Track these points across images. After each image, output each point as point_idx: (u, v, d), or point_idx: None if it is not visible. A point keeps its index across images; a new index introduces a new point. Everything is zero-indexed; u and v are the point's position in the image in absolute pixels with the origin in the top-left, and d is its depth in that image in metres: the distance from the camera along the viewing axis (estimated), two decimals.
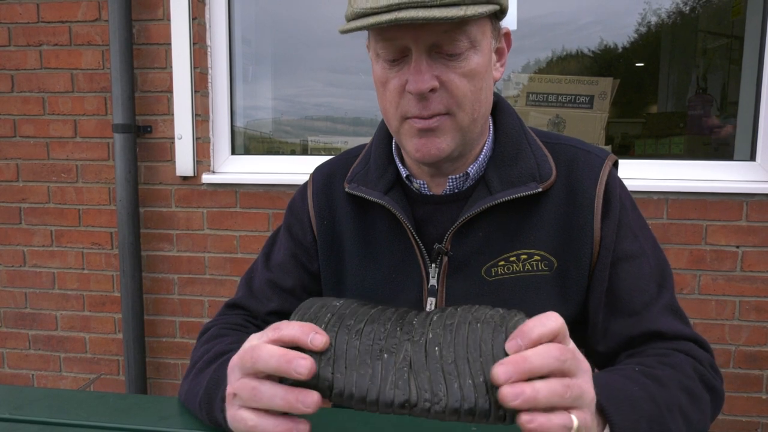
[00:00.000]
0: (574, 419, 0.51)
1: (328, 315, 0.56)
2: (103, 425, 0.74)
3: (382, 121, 0.92)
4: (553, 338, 0.50)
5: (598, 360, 0.83)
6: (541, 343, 0.49)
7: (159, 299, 2.40)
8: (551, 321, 0.50)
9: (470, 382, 0.49)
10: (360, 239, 0.89)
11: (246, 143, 2.53)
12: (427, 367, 0.51)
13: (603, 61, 2.57)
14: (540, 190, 0.81)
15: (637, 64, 2.75)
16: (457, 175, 0.84)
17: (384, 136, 0.91)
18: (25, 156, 2.40)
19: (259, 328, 0.91)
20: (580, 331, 0.86)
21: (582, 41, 2.46)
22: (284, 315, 0.92)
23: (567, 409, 0.50)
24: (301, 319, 0.56)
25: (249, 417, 0.53)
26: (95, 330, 2.47)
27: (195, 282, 2.37)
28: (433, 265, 0.84)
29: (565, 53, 2.48)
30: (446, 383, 0.49)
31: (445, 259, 0.83)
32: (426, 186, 0.86)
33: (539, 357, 0.49)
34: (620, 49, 2.55)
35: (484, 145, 0.85)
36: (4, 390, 0.89)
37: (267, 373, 0.51)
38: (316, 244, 0.92)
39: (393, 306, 0.60)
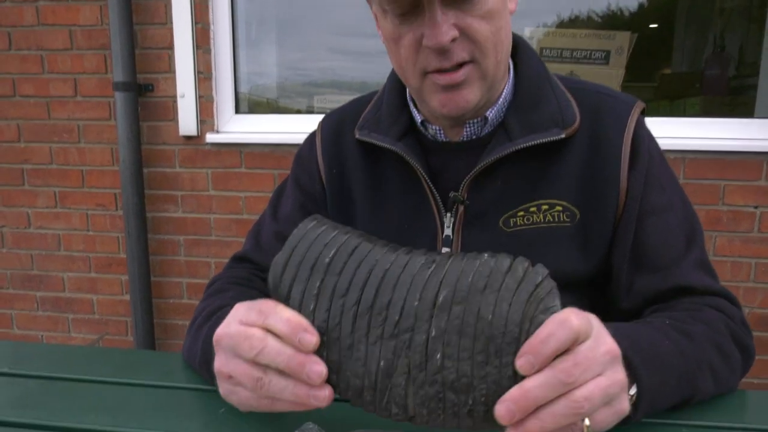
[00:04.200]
0: (586, 424, 0.48)
1: (318, 282, 0.51)
2: (106, 380, 0.72)
3: None
4: (571, 345, 0.46)
5: (622, 317, 0.79)
6: (556, 356, 0.46)
7: (165, 261, 2.39)
8: (566, 330, 0.45)
9: (471, 406, 0.47)
10: (371, 189, 0.85)
11: (250, 106, 2.46)
12: (426, 380, 0.48)
13: (617, 20, 2.47)
14: (563, 136, 0.76)
15: (651, 25, 2.65)
16: (476, 120, 0.79)
17: (397, 80, 0.86)
18: (25, 116, 2.35)
19: (266, 281, 0.88)
20: (602, 287, 0.82)
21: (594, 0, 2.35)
22: None
23: None
24: (286, 287, 0.52)
25: (259, 397, 0.52)
26: (102, 291, 2.46)
27: (201, 243, 2.35)
28: (449, 215, 0.80)
29: (578, 12, 2.38)
30: (444, 406, 0.48)
31: (461, 208, 0.79)
32: (442, 132, 0.81)
33: (543, 388, 0.45)
34: (635, 8, 2.45)
35: (503, 89, 0.80)
36: (4, 345, 0.87)
37: (272, 368, 0.50)
38: (325, 194, 0.88)
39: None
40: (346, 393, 0.49)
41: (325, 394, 0.48)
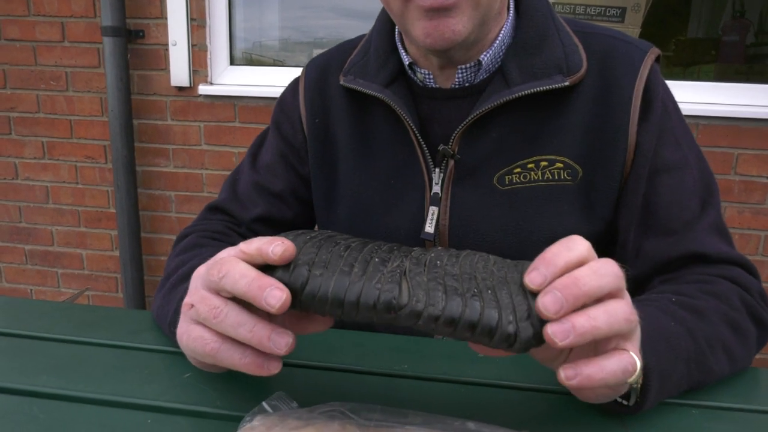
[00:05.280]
0: (637, 360, 0.41)
1: (314, 233, 0.47)
2: (65, 338, 0.66)
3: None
4: (582, 262, 0.40)
5: (629, 285, 0.73)
6: (567, 273, 0.39)
7: (156, 217, 2.33)
8: (578, 245, 0.40)
9: (476, 291, 0.40)
10: (356, 140, 0.78)
11: (246, 58, 2.35)
12: (425, 274, 0.41)
13: None
14: (567, 83, 0.68)
15: None
16: (469, 65, 0.71)
17: (386, 21, 0.78)
18: (11, 61, 2.25)
19: (243, 236, 0.82)
20: (606, 252, 0.75)
21: None
22: (271, 221, 0.83)
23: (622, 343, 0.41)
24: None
25: (209, 338, 0.44)
26: (92, 246, 2.41)
27: (193, 200, 2.28)
28: (438, 170, 0.73)
29: None
30: (446, 291, 0.39)
31: (452, 163, 0.72)
32: (431, 77, 0.73)
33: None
34: None
35: (501, 30, 0.72)
36: None
37: (234, 295, 0.42)
38: (307, 147, 0.81)
39: (394, 239, 0.52)
40: (324, 302, 0.40)
41: (287, 341, 0.41)
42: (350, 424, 0.46)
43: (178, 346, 0.63)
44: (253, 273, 0.41)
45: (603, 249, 0.75)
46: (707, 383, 0.58)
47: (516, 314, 0.39)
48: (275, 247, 0.41)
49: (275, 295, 0.39)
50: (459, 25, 0.63)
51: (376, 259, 0.42)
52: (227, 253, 0.45)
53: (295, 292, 0.41)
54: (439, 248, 0.46)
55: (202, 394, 0.54)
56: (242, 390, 0.55)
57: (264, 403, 0.49)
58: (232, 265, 0.42)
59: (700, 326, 0.57)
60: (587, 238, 0.70)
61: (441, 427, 0.46)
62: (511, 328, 0.38)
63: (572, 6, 2.01)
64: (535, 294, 0.39)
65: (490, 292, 0.40)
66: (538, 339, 0.39)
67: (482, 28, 0.68)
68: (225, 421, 0.50)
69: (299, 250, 0.43)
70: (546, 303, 0.37)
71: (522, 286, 0.40)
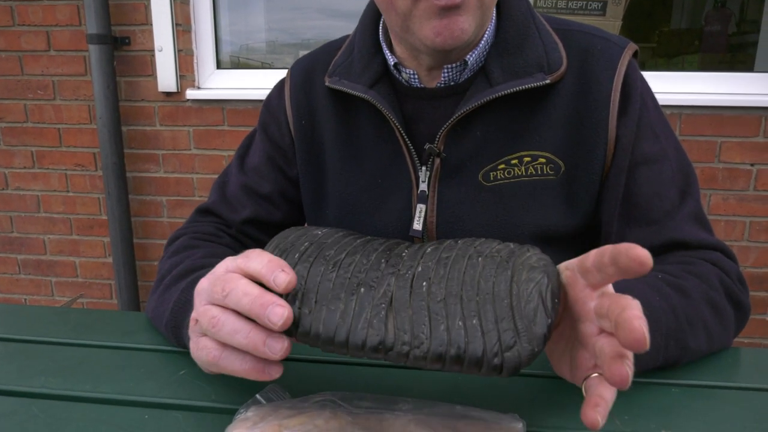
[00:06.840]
0: None
1: (306, 244, 0.49)
2: (61, 341, 0.67)
3: (368, 6, 0.80)
4: None
5: None
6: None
7: (148, 222, 2.33)
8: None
9: (460, 323, 0.41)
10: (342, 140, 0.79)
11: (234, 67, 2.35)
12: (410, 304, 0.43)
13: None
14: (548, 81, 0.70)
15: None
16: (455, 64, 0.73)
17: (370, 21, 0.79)
18: None
19: (234, 237, 0.83)
20: (591, 241, 0.78)
21: None
22: (260, 223, 0.84)
23: None
24: (276, 249, 0.48)
25: (211, 347, 0.46)
26: (84, 254, 2.41)
27: (184, 204, 2.28)
28: (424, 169, 0.74)
29: None
30: (430, 324, 0.41)
31: (438, 161, 0.73)
32: (416, 77, 0.75)
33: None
34: None
35: (485, 30, 0.73)
36: None
37: (238, 311, 0.44)
38: (294, 148, 0.82)
39: (383, 237, 0.53)
40: (317, 339, 0.43)
41: (282, 345, 0.43)
42: (341, 412, 0.48)
43: (173, 346, 0.65)
44: (256, 291, 0.43)
45: (587, 242, 0.77)
46: (683, 361, 0.60)
47: (501, 344, 0.40)
48: (277, 278, 0.43)
49: (277, 312, 0.42)
50: (466, 23, 0.65)
51: (363, 290, 0.44)
52: (225, 268, 0.47)
53: (289, 331, 0.43)
54: (429, 249, 0.48)
55: (198, 390, 0.56)
56: (237, 384, 0.56)
57: (258, 395, 0.51)
58: (236, 283, 0.44)
59: (683, 304, 0.59)
60: (571, 231, 0.72)
61: (429, 411, 0.48)
62: (496, 361, 0.40)
63: (554, 0, 2.03)
64: (521, 309, 0.42)
65: (475, 320, 0.41)
66: (526, 362, 0.40)
67: (479, 30, 0.69)
68: (220, 414, 0.52)
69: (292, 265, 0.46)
70: (640, 325, 0.37)
71: (509, 300, 0.42)
